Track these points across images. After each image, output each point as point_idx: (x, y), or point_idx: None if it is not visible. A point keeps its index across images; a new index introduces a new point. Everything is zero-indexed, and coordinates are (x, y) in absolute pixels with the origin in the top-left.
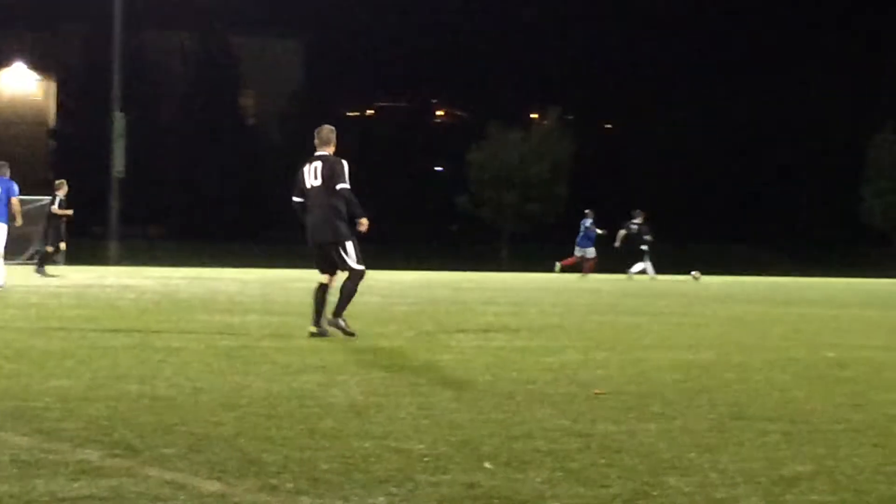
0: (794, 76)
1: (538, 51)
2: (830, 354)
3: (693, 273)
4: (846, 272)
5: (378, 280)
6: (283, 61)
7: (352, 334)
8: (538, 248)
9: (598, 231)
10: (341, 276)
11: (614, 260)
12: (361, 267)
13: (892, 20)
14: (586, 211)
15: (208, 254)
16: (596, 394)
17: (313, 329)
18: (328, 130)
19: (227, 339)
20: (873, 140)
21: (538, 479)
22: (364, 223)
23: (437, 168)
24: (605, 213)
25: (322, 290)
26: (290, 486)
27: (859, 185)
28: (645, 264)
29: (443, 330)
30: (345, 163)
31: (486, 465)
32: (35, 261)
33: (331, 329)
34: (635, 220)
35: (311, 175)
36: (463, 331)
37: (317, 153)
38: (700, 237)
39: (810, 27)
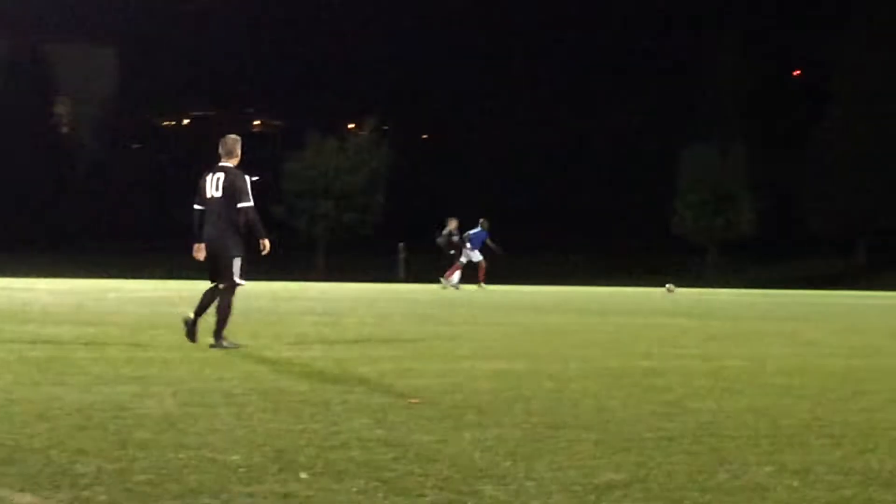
0: (609, 87)
1: (355, 61)
2: (644, 363)
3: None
4: (659, 282)
5: (194, 291)
6: (97, 68)
7: (237, 346)
8: (354, 257)
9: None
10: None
11: (431, 269)
12: (242, 282)
13: (705, 34)
14: (481, 220)
15: (22, 263)
16: (411, 403)
17: (190, 315)
18: (233, 141)
19: (40, 349)
20: (686, 153)
21: (354, 489)
22: (266, 245)
23: (252, 178)
24: (423, 223)
25: (212, 290)
26: (103, 497)
27: (672, 196)
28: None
29: (259, 340)
30: (247, 178)
31: (302, 475)
32: None
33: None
34: (449, 229)
35: (213, 186)
36: (279, 341)
37: (220, 164)
38: (517, 246)
39: (624, 40)
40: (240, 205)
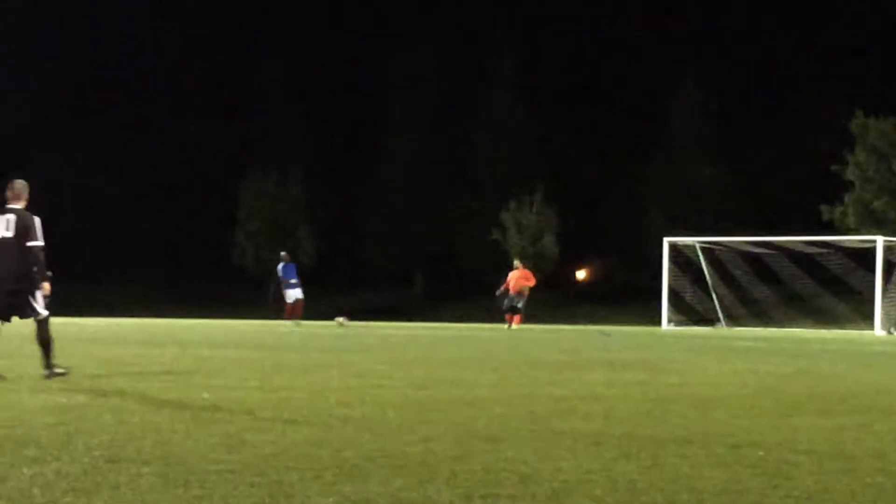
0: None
1: None
2: (205, 395)
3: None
4: (221, 313)
5: None
6: None
7: (65, 372)
8: None
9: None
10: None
11: None
12: (46, 312)
13: (257, 62)
14: (283, 253)
15: None
16: None
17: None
18: (21, 185)
19: None
20: (245, 183)
21: None
22: (46, 287)
23: None
24: None
25: None
26: None
27: (234, 227)
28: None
29: None
30: (37, 219)
31: None
32: None
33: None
34: None
35: (3, 226)
36: None
37: (9, 206)
38: (72, 276)
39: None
40: (30, 243)
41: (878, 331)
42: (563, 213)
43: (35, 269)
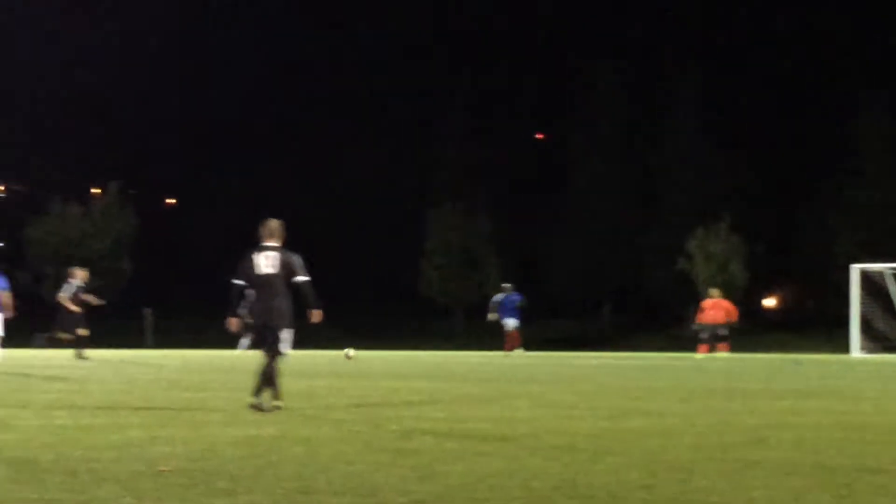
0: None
1: (100, 124)
2: (394, 427)
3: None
4: (407, 344)
5: None
6: None
7: (261, 409)
8: (101, 323)
9: None
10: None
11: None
12: (287, 351)
13: (439, 99)
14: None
15: None
16: (161, 471)
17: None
18: (276, 224)
19: None
20: (433, 214)
21: None
22: (318, 315)
23: None
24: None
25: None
26: None
27: (418, 258)
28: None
29: (4, 408)
30: (298, 256)
31: None
32: None
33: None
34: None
35: (264, 263)
36: (25, 408)
37: (266, 244)
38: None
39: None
40: (296, 279)
41: None
42: (751, 241)
43: (307, 301)
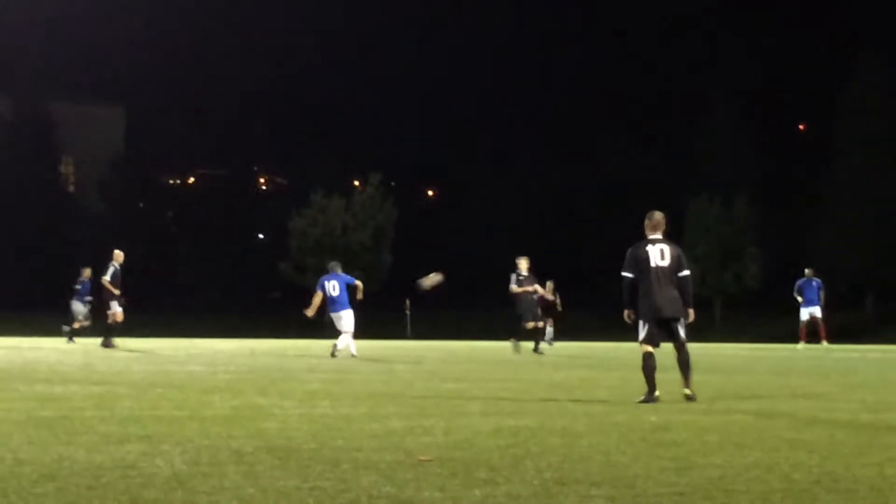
0: (609, 140)
1: (360, 117)
2: (653, 418)
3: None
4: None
5: (201, 349)
6: (103, 128)
7: (693, 399)
8: (362, 314)
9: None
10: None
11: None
12: (684, 338)
13: (705, 86)
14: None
15: (30, 322)
16: (421, 461)
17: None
18: (660, 216)
19: (48, 408)
20: (691, 206)
21: None
22: (691, 314)
23: (258, 235)
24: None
25: (651, 358)
26: None
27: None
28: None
29: (267, 398)
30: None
31: None
32: None
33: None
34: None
35: (657, 256)
36: (287, 398)
37: (653, 237)
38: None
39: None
40: (681, 273)
41: None
42: None
43: (686, 295)
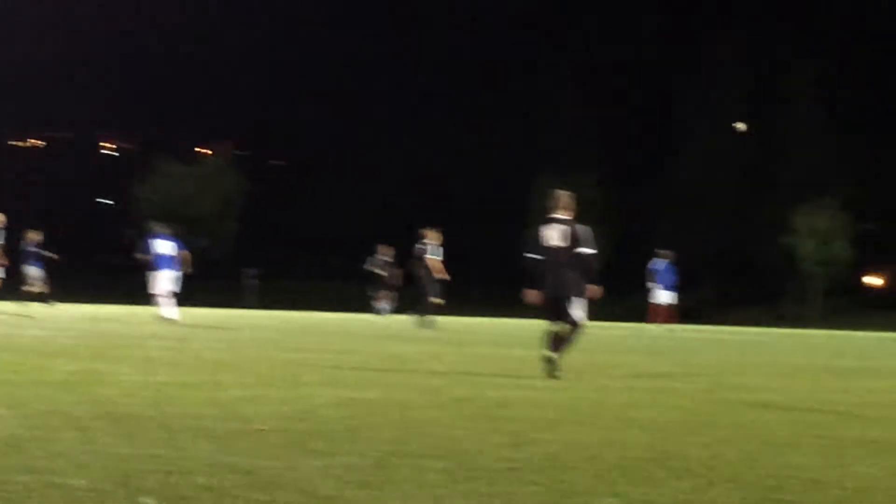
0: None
1: (207, 85)
2: (492, 393)
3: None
4: (499, 313)
5: (43, 313)
6: None
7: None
8: (206, 283)
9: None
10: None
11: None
12: (582, 318)
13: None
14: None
15: None
16: (259, 430)
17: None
18: (567, 196)
19: None
20: (536, 185)
21: None
22: (596, 291)
23: (104, 201)
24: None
25: (552, 335)
26: None
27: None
28: None
29: (106, 364)
30: (588, 229)
31: (147, 500)
32: None
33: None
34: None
35: (556, 236)
36: (126, 364)
37: (557, 216)
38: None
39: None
40: (582, 251)
41: None
42: (861, 219)
43: (589, 274)
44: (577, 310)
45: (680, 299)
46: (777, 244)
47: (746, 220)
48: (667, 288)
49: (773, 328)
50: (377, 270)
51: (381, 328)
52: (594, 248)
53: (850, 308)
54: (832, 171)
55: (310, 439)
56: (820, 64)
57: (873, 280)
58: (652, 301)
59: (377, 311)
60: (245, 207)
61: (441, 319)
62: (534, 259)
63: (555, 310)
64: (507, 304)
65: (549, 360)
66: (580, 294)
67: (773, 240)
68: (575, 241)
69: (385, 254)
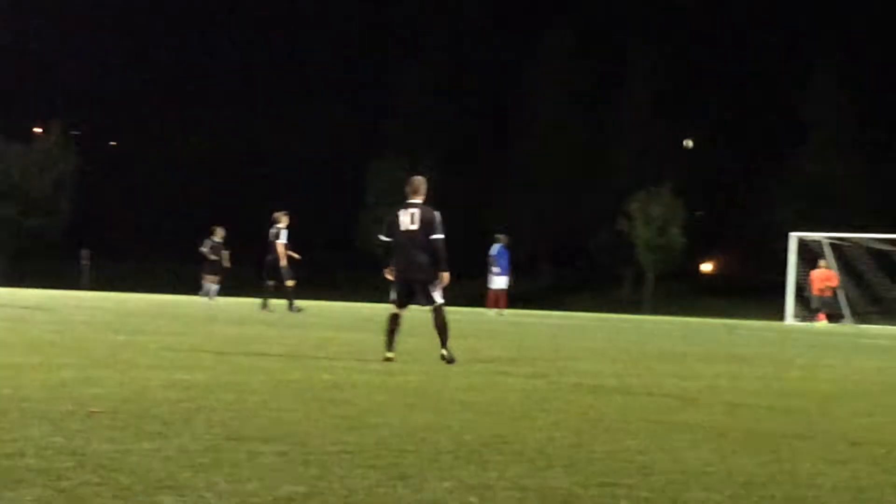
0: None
1: (42, 63)
2: (326, 376)
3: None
4: (344, 296)
5: None
6: None
7: (451, 361)
8: (38, 263)
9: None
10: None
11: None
12: (442, 301)
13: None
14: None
15: None
16: (92, 412)
17: (389, 355)
18: (420, 181)
19: None
20: (374, 167)
21: (29, 498)
22: (445, 278)
23: None
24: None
25: (394, 319)
26: None
27: (358, 211)
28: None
29: None
30: (438, 213)
31: None
32: None
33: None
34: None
35: (408, 220)
36: None
37: (411, 201)
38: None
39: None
40: (433, 236)
41: None
42: (692, 206)
43: (438, 260)
44: (436, 292)
45: (515, 283)
46: (613, 231)
47: (583, 206)
48: (501, 272)
49: (609, 314)
50: (206, 252)
51: (215, 311)
52: (442, 234)
53: (683, 293)
54: (666, 158)
55: (143, 422)
56: (654, 51)
57: (705, 266)
58: (490, 286)
59: (206, 293)
60: (79, 187)
61: (278, 303)
62: (387, 242)
63: (406, 293)
64: (349, 288)
65: (442, 356)
66: (433, 278)
67: (609, 226)
68: (427, 225)
69: (217, 235)
